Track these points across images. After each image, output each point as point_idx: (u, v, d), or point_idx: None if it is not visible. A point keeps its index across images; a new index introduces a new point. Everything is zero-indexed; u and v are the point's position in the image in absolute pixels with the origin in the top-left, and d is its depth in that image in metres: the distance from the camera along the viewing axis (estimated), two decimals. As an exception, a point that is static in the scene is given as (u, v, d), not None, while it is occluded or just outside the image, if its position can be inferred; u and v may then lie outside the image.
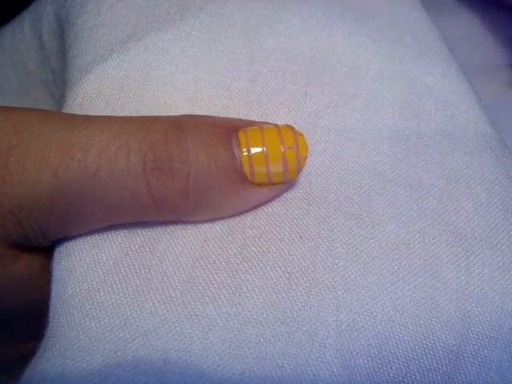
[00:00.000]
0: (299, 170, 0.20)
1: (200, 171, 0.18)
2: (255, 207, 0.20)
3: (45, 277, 0.19)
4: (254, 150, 0.19)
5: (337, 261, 0.19)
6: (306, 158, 0.19)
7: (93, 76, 0.23)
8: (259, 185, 0.19)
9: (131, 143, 0.18)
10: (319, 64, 0.25)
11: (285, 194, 0.21)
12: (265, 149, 0.19)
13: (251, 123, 0.20)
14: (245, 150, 0.19)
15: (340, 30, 0.26)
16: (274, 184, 0.20)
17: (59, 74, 0.29)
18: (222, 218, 0.20)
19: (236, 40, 0.25)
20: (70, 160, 0.17)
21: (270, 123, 0.20)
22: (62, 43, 0.27)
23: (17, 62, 0.31)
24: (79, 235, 0.19)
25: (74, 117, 0.19)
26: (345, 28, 0.26)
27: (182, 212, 0.19)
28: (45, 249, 0.19)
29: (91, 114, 0.22)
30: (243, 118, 0.22)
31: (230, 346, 0.17)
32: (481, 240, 0.20)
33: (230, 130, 0.19)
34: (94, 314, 0.18)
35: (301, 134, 0.19)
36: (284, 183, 0.20)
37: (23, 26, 0.30)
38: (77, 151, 0.17)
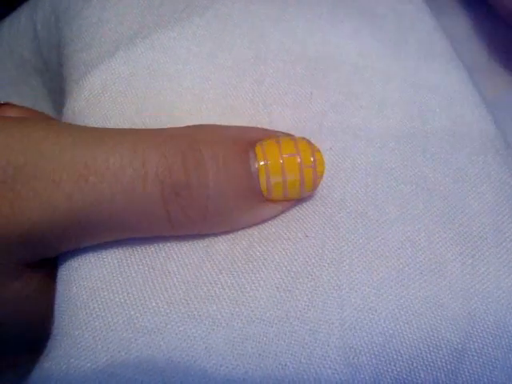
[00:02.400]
0: (315, 187, 0.20)
1: (218, 195, 0.18)
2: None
3: (43, 294, 0.19)
4: (273, 171, 0.19)
5: (342, 259, 0.19)
6: (322, 174, 0.19)
7: (99, 72, 0.23)
8: (274, 201, 0.20)
9: (148, 167, 0.17)
10: (325, 64, 0.24)
11: None
12: (283, 169, 0.19)
13: (267, 134, 0.20)
14: (262, 163, 0.19)
15: (345, 30, 0.26)
16: (289, 200, 0.20)
17: (52, 66, 0.28)
18: None
19: (241, 40, 0.25)
20: (84, 184, 0.16)
21: (284, 133, 0.20)
22: (55, 34, 0.26)
23: (14, 51, 0.31)
24: None
25: (82, 131, 0.18)
26: (350, 28, 0.26)
27: (197, 231, 0.19)
28: (47, 264, 0.19)
29: (97, 109, 0.22)
30: (249, 118, 0.23)
31: (233, 345, 0.17)
32: (486, 239, 0.20)
33: (247, 146, 0.19)
34: (98, 313, 0.18)
35: (318, 151, 0.19)
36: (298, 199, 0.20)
37: (21, 16, 0.30)
38: (91, 175, 0.16)
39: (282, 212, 0.20)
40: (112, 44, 0.24)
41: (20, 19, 0.30)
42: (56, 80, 0.27)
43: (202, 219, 0.18)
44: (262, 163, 0.19)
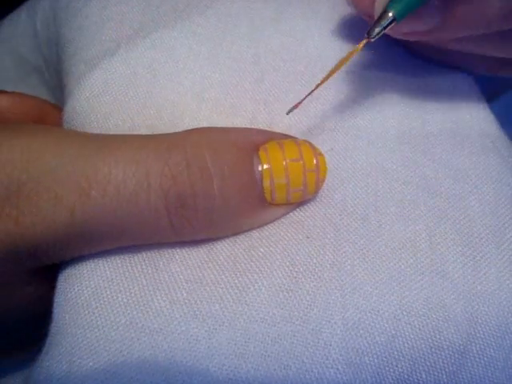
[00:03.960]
0: (317, 190, 0.20)
1: (223, 205, 0.18)
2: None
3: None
4: (277, 175, 0.19)
5: (344, 260, 0.19)
6: (324, 179, 0.20)
7: (100, 71, 0.23)
8: (277, 205, 0.20)
9: (151, 178, 0.17)
10: (325, 64, 0.25)
11: None
12: (287, 173, 0.19)
13: (268, 137, 0.20)
14: (266, 167, 0.18)
15: (345, 29, 0.26)
16: (292, 203, 0.20)
17: (52, 64, 0.28)
18: None
19: (241, 39, 0.25)
20: (86, 198, 0.16)
21: (285, 135, 0.20)
22: (54, 32, 0.27)
23: (13, 50, 0.31)
24: None
25: (83, 140, 0.17)
26: (350, 28, 0.26)
27: (202, 237, 0.19)
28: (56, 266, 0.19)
29: (98, 108, 0.22)
30: (250, 118, 0.23)
31: (235, 345, 0.17)
32: (488, 240, 0.20)
33: (250, 150, 0.19)
34: (101, 312, 0.18)
35: (320, 154, 0.19)
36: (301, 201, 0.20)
37: (21, 15, 0.30)
38: (93, 188, 0.16)
39: (284, 215, 0.20)
40: (113, 43, 0.24)
41: (20, 18, 0.30)
42: (56, 78, 0.26)
43: (207, 227, 0.18)
44: (266, 167, 0.19)
